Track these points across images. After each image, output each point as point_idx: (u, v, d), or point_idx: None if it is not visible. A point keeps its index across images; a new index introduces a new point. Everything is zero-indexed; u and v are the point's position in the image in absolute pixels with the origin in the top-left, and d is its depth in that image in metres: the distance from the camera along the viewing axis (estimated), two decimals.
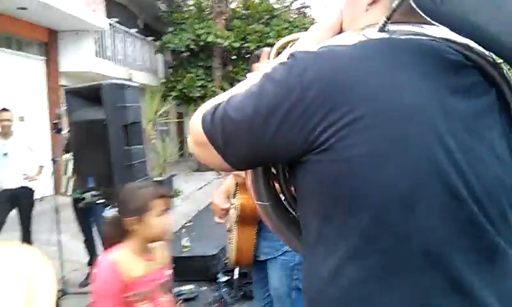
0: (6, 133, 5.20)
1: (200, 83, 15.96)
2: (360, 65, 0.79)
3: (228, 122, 0.84)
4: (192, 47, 16.06)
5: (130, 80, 10.81)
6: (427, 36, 0.82)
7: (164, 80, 16.64)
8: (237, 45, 15.89)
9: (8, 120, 5.19)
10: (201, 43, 15.85)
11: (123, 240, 2.00)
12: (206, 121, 0.86)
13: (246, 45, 15.98)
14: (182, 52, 16.53)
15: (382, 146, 0.75)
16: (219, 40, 15.60)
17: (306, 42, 1.00)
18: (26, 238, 5.15)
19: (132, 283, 1.93)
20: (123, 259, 1.95)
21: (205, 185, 12.03)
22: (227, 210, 2.44)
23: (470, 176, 0.77)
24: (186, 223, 7.84)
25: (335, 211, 0.80)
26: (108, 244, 2.06)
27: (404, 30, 0.83)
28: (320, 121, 0.77)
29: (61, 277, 4.49)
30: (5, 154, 5.14)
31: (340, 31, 0.98)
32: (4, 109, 5.26)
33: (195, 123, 0.89)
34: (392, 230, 0.76)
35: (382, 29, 0.83)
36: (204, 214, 8.29)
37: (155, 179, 3.95)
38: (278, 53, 1.10)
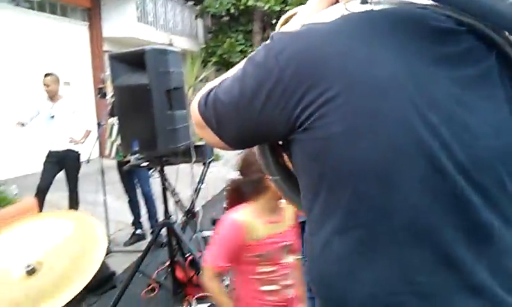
0: (52, 96, 5.38)
1: (239, 48, 15.92)
2: (335, 42, 0.78)
3: (219, 105, 0.88)
4: (232, 11, 15.95)
5: (171, 45, 10.89)
6: (415, 4, 0.79)
7: (204, 46, 16.67)
8: (277, 8, 15.66)
9: (49, 85, 5.35)
10: (242, 7, 15.71)
11: (247, 201, 2.00)
12: (201, 104, 0.91)
13: (286, 8, 15.73)
14: (222, 16, 16.45)
15: (357, 122, 0.74)
16: (259, 4, 15.41)
17: (301, 16, 0.99)
18: (73, 199, 5.37)
19: (254, 244, 1.93)
20: (246, 219, 1.95)
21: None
22: None
23: (455, 148, 0.74)
24: (226, 187, 7.96)
25: (320, 188, 0.81)
26: (231, 204, 2.09)
27: (389, 0, 0.80)
28: (299, 100, 0.77)
29: (106, 236, 4.70)
30: (52, 117, 5.34)
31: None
32: (48, 74, 5.43)
33: (193, 106, 0.93)
34: (372, 205, 0.76)
35: (365, 1, 0.81)
36: None
37: (196, 144, 4.02)
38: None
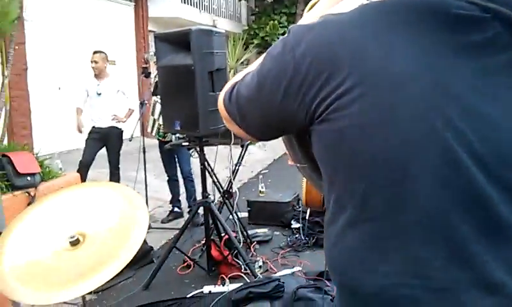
0: (99, 74, 5.50)
1: (282, 30, 15.77)
2: (350, 33, 0.77)
3: (241, 99, 0.89)
4: None
5: (214, 26, 10.92)
6: None
7: (246, 28, 16.63)
8: None
9: (97, 62, 5.46)
10: None
11: None
12: (226, 99, 0.93)
13: None
14: None
15: (372, 115, 0.73)
16: None
17: (321, 6, 0.98)
18: (114, 175, 5.50)
19: None
20: None
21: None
22: None
23: (473, 141, 0.72)
24: (262, 170, 8.02)
25: (335, 179, 0.81)
26: None
27: None
28: (316, 93, 0.77)
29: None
30: (99, 94, 5.47)
31: None
32: (96, 52, 5.55)
33: (219, 102, 0.95)
34: (385, 198, 0.75)
35: None
36: (280, 163, 8.42)
37: None
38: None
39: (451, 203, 0.73)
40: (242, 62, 12.94)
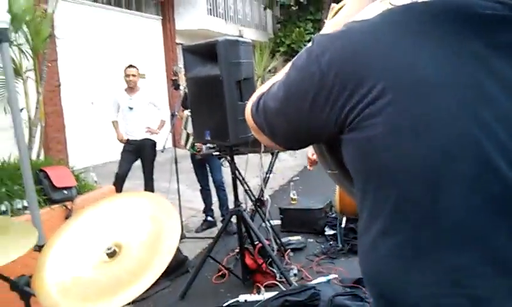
0: (132, 88, 5.62)
1: (308, 37, 15.76)
2: (376, 39, 0.75)
3: (268, 110, 0.89)
4: (301, 0, 15.82)
5: (241, 36, 11.00)
6: None
7: (272, 36, 16.69)
8: None
9: (134, 76, 5.59)
10: None
11: None
12: (253, 111, 0.92)
13: None
14: (291, 6, 16.37)
15: (402, 123, 0.71)
16: None
17: (344, 13, 0.97)
18: (149, 186, 5.59)
19: None
20: None
21: None
22: (314, 160, 2.73)
23: (510, 147, 0.70)
24: (293, 177, 7.99)
25: (368, 187, 0.80)
26: None
27: None
28: (345, 102, 0.76)
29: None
30: (131, 108, 5.58)
31: None
32: (131, 66, 5.66)
33: (247, 113, 0.95)
34: (418, 207, 0.73)
35: None
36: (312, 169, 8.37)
37: None
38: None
39: (487, 211, 0.71)
40: (269, 71, 12.97)
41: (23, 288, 1.57)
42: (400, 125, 0.72)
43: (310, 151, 3.04)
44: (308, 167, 3.27)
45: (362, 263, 0.85)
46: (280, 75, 0.91)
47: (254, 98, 0.95)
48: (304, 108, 0.81)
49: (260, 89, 0.95)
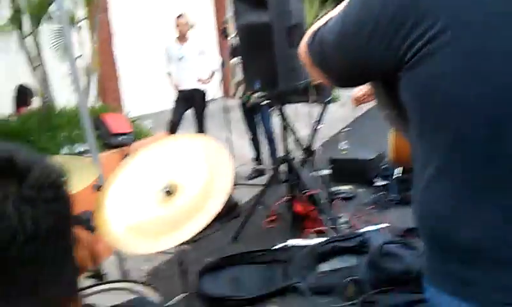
0: (182, 37, 5.66)
1: None
2: None
3: (324, 44, 0.87)
4: None
5: None
6: None
7: None
8: None
9: (185, 25, 5.62)
10: None
11: None
12: (308, 44, 0.92)
13: None
14: None
15: (466, 62, 0.70)
16: None
17: None
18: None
19: None
20: None
21: None
22: (360, 98, 2.54)
23: None
24: (344, 128, 7.89)
25: (424, 128, 0.79)
26: None
27: None
28: (405, 37, 0.74)
29: None
30: (181, 58, 5.63)
31: None
32: (181, 15, 5.68)
33: (302, 47, 0.94)
34: (477, 149, 0.72)
35: None
36: (362, 120, 8.24)
37: (315, 83, 4.00)
38: None
39: None
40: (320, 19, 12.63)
41: (88, 222, 1.68)
42: (465, 64, 0.71)
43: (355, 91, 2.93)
44: (353, 105, 3.29)
45: (415, 207, 0.86)
46: (338, 10, 0.90)
47: (310, 31, 0.94)
48: (362, 42, 0.81)
49: (317, 24, 0.94)
